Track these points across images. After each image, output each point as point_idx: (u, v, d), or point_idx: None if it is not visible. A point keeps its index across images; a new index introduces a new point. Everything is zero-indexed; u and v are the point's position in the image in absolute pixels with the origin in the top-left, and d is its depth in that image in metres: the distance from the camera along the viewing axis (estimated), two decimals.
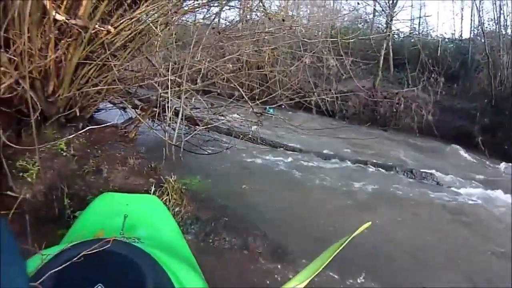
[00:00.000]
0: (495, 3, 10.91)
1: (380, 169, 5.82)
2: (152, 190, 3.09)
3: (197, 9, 4.53)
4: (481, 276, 3.16)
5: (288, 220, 3.60)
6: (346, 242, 1.45)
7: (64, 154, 3.55)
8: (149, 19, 3.79)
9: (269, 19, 4.71)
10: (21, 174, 3.19)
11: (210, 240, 2.78)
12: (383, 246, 3.38)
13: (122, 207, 1.78)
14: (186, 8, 4.39)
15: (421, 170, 5.74)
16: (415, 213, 4.48)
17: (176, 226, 1.87)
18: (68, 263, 1.08)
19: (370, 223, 1.65)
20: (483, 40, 10.90)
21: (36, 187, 3.21)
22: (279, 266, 2.63)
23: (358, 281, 2.74)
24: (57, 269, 1.07)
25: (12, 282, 0.79)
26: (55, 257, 1.17)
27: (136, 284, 1.12)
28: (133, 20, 3.73)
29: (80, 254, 1.11)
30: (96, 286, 1.07)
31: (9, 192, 3.01)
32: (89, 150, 3.84)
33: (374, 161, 6.13)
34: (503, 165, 7.55)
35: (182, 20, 4.92)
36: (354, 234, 1.53)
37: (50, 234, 2.66)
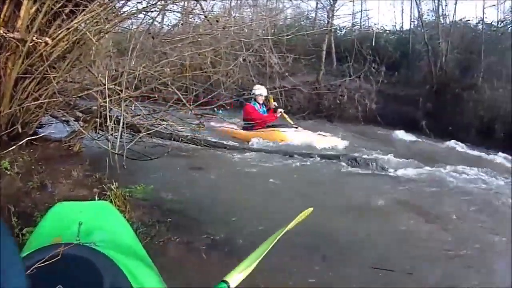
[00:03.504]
0: None
1: (326, 160, 5.78)
2: (96, 199, 3.10)
3: (134, 15, 4.52)
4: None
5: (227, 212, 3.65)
6: (286, 230, 1.49)
7: (9, 173, 3.49)
8: (85, 28, 3.76)
9: (208, 21, 4.81)
10: None
11: (156, 242, 2.83)
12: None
13: (76, 215, 1.79)
14: (122, 15, 4.38)
15: (365, 157, 5.75)
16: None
17: (130, 229, 1.91)
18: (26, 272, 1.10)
19: (311, 209, 1.69)
20: (422, 30, 11.49)
21: None
22: (224, 260, 2.71)
23: None
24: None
25: (12, 282, 0.82)
26: None
27: (94, 284, 1.14)
28: (70, 30, 3.70)
29: (39, 262, 1.10)
30: None
31: None
32: (33, 167, 3.79)
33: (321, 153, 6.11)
34: (451, 142, 8.04)
35: (121, 27, 4.90)
36: (294, 222, 1.58)
37: None
